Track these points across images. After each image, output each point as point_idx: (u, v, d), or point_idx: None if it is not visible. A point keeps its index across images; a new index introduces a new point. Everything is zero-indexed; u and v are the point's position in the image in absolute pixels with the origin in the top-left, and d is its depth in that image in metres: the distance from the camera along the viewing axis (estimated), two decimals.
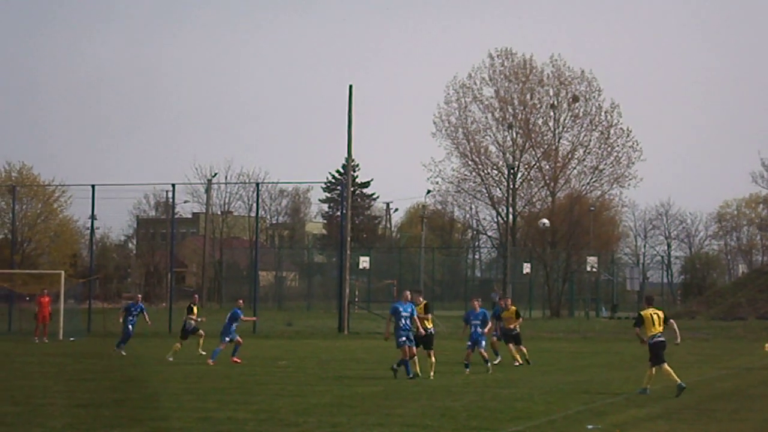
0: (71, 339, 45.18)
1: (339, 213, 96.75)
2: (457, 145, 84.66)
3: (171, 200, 74.77)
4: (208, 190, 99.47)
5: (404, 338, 26.54)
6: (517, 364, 31.31)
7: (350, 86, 55.02)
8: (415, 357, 26.81)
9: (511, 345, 32.15)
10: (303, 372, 28.61)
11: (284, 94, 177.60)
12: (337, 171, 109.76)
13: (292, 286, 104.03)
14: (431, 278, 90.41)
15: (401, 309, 26.72)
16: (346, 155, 57.71)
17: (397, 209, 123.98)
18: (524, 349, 32.10)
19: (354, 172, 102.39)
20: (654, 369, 23.03)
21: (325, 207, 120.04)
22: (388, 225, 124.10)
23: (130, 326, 36.97)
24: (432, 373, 26.78)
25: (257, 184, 71.36)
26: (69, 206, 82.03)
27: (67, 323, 46.84)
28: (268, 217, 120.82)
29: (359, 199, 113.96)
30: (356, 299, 71.09)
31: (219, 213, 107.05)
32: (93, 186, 55.11)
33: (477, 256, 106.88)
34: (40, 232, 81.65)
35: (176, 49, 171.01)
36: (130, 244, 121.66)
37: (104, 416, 18.50)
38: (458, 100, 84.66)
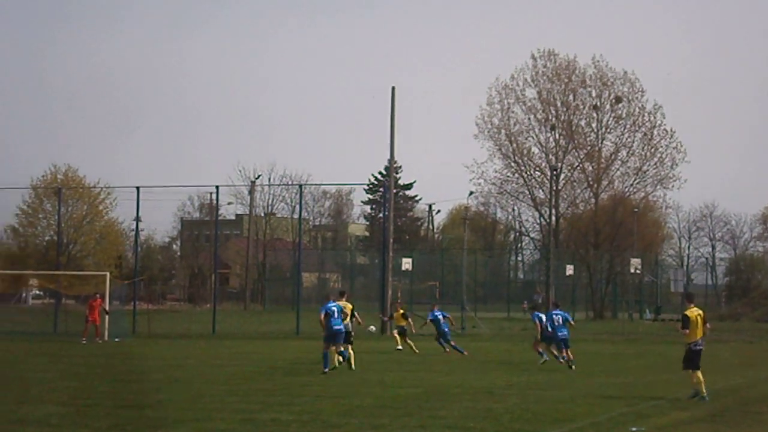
0: (116, 340, 45.50)
1: (381, 214, 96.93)
2: (499, 146, 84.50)
3: (215, 202, 75.31)
4: (251, 192, 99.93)
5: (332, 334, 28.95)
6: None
7: (393, 88, 55.12)
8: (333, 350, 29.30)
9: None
10: (345, 374, 28.66)
11: (327, 96, 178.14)
12: (380, 173, 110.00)
13: (335, 287, 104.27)
14: (473, 280, 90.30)
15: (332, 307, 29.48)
16: (388, 157, 57.79)
17: (439, 211, 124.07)
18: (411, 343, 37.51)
19: (396, 173, 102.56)
20: (691, 372, 22.73)
21: (367, 209, 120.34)
22: (431, 226, 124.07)
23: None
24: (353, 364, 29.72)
25: (300, 186, 71.63)
26: (114, 208, 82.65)
27: (112, 324, 47.18)
28: (311, 218, 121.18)
29: (402, 201, 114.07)
30: (398, 301, 71.05)
31: (262, 215, 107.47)
32: (138, 188, 55.48)
33: (519, 258, 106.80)
34: (86, 234, 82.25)
35: (220, 51, 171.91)
36: (174, 246, 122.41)
37: (149, 417, 18.64)
38: (501, 102, 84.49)
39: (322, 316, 29.08)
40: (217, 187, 61.25)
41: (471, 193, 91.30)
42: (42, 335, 49.48)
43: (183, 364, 32.36)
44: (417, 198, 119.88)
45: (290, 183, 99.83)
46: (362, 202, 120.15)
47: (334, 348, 29.07)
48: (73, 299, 65.74)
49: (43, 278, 63.48)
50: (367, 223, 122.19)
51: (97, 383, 25.25)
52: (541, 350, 32.54)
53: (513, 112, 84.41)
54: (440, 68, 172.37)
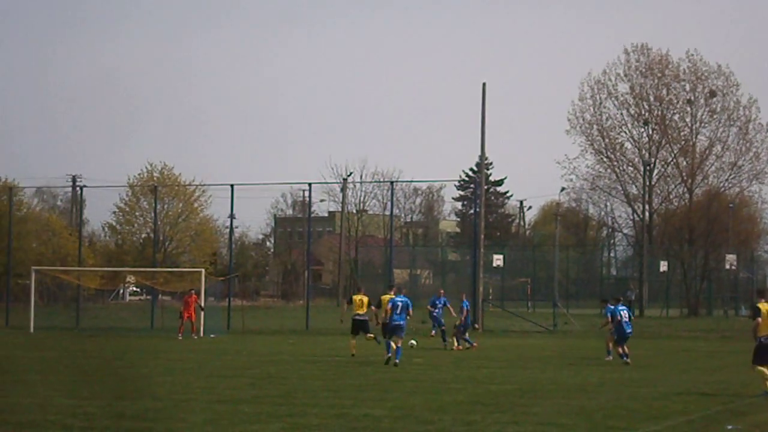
0: (211, 336, 46.03)
1: (472, 211, 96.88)
2: (591, 141, 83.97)
3: (308, 199, 75.83)
4: (343, 189, 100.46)
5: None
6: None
7: (483, 84, 55.00)
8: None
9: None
10: (437, 370, 28.74)
11: (417, 93, 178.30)
12: (471, 169, 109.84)
13: (427, 284, 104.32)
14: (565, 276, 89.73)
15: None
16: (479, 153, 57.70)
17: (530, 207, 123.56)
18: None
19: (487, 170, 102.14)
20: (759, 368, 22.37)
21: (458, 205, 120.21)
22: (522, 223, 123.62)
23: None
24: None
25: (391, 183, 71.74)
26: (209, 205, 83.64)
27: (208, 320, 47.77)
28: (402, 215, 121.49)
29: (492, 197, 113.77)
30: (490, 297, 71.01)
31: (354, 211, 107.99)
32: (232, 185, 56.15)
33: (612, 254, 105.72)
34: (181, 231, 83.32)
35: (312, 49, 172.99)
36: (267, 243, 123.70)
37: (243, 412, 18.82)
38: (593, 97, 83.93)
39: (389, 307, 30.61)
40: (309, 184, 61.83)
41: (563, 189, 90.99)
42: (139, 331, 50.33)
43: (277, 359, 32.71)
44: (508, 194, 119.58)
45: (381, 180, 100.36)
46: (453, 198, 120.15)
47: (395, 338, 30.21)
48: (170, 296, 66.76)
49: (140, 275, 64.51)
50: (458, 219, 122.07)
51: (192, 379, 25.58)
52: (610, 348, 32.17)
53: (605, 107, 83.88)
54: (531, 63, 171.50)
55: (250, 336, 46.82)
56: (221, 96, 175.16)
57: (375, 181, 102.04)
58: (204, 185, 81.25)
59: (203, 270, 52.82)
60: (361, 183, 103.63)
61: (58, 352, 36.46)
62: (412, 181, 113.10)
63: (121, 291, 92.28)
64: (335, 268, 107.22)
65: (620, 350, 31.00)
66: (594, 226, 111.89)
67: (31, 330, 49.41)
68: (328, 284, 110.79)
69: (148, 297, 72.60)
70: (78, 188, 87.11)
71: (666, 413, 19.32)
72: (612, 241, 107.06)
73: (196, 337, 44.79)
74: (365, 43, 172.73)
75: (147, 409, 19.28)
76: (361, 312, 33.38)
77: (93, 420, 17.58)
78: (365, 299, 33.60)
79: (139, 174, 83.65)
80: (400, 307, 30.39)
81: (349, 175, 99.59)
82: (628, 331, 31.27)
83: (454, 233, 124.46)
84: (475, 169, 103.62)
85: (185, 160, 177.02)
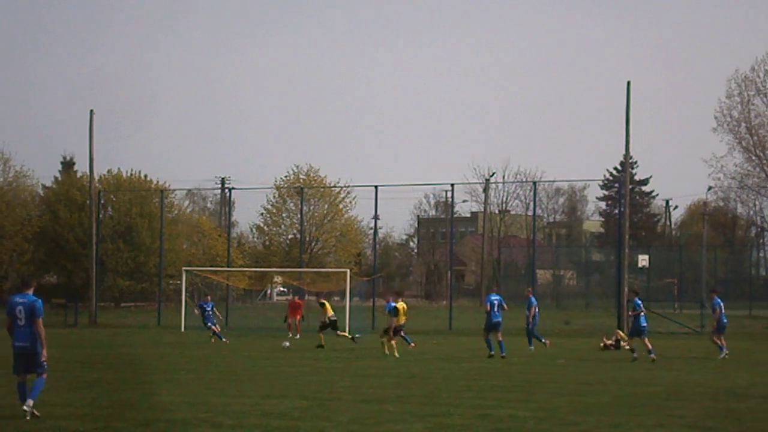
0: (357, 336, 46.48)
1: (617, 211, 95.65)
2: (739, 139, 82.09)
3: (450, 200, 76.06)
4: (486, 190, 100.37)
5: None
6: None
7: (628, 83, 54.41)
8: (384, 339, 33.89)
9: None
10: (582, 371, 28.56)
11: (561, 92, 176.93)
12: (615, 168, 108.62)
13: (570, 285, 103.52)
14: (713, 277, 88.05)
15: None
16: (623, 152, 57.09)
17: (677, 207, 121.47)
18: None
19: (632, 169, 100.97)
20: None
21: (602, 205, 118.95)
22: (668, 223, 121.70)
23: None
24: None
25: (534, 183, 71.49)
26: (353, 207, 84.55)
27: (353, 320, 48.17)
28: (545, 215, 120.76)
29: (637, 197, 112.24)
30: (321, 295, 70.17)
31: (497, 212, 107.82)
32: (376, 187, 56.68)
33: (762, 254, 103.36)
34: (327, 232, 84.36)
35: (454, 51, 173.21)
36: (411, 243, 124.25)
37: (388, 411, 18.94)
38: (740, 94, 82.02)
39: (488, 307, 33.82)
40: (452, 185, 62.00)
41: (710, 188, 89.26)
42: (286, 331, 51.09)
43: (420, 359, 32.90)
44: (653, 193, 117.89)
45: (524, 180, 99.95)
46: (597, 198, 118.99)
47: (494, 335, 33.38)
48: (315, 296, 67.69)
49: (286, 275, 65.54)
50: (602, 219, 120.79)
51: (338, 378, 25.87)
52: (720, 343, 32.68)
53: (753, 104, 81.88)
54: (677, 61, 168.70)
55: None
56: (365, 99, 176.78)
57: (517, 182, 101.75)
58: (349, 186, 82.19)
59: (348, 270, 53.38)
60: (503, 183, 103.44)
61: (207, 350, 37.30)
62: (555, 181, 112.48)
63: (269, 291, 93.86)
64: (478, 269, 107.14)
65: (643, 343, 31.56)
66: (743, 225, 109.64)
67: (182, 329, 50.65)
68: (470, 284, 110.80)
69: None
70: (227, 190, 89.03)
71: None
72: (761, 240, 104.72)
73: (298, 337, 45.50)
74: (508, 43, 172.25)
75: (293, 407, 19.51)
76: (330, 314, 39.05)
77: (241, 418, 17.92)
78: (328, 305, 39.39)
79: (285, 176, 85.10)
80: (497, 305, 33.73)
81: (491, 176, 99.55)
82: (725, 320, 32.31)
83: (598, 233, 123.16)
84: (620, 168, 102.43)
85: (330, 161, 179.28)
